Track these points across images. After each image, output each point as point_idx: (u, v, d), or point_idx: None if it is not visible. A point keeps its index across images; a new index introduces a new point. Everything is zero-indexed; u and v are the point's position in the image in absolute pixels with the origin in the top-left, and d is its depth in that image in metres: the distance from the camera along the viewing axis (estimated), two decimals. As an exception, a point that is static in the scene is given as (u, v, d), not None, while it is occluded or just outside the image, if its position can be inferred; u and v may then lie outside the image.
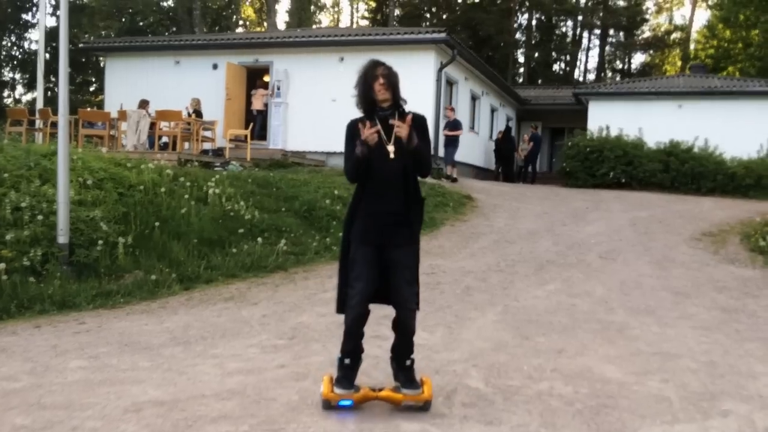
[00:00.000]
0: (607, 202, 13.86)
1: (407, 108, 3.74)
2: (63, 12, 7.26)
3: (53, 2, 30.53)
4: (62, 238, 6.84)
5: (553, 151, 26.46)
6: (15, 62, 30.64)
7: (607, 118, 19.24)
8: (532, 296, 6.50)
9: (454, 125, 16.22)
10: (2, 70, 30.12)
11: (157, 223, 7.78)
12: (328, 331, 5.13)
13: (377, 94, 3.61)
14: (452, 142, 16.15)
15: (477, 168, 20.56)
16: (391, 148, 3.57)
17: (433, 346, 4.80)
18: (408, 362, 3.66)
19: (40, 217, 6.92)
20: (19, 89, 32.07)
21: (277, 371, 4.20)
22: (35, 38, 29.45)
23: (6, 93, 30.96)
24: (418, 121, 3.66)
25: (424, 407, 3.59)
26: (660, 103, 20.19)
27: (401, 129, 3.52)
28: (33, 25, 28.56)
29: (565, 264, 8.08)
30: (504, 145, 21.19)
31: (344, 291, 3.65)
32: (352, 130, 3.63)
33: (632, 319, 5.75)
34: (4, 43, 30.11)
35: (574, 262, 8.22)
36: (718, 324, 5.74)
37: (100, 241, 6.96)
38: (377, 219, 3.57)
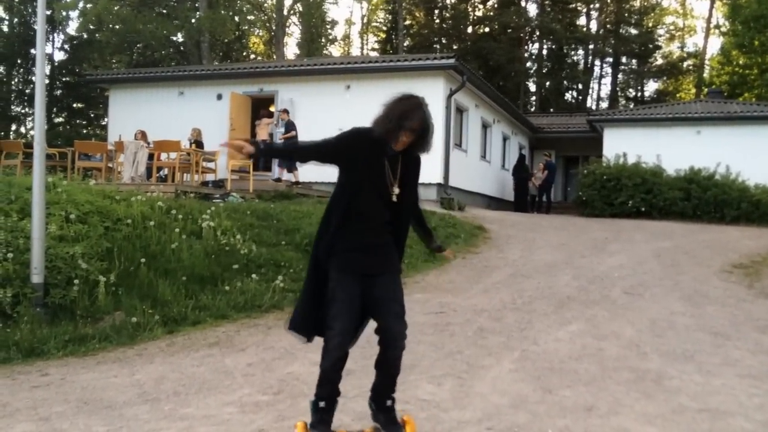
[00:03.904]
0: (627, 232, 13.15)
1: None
2: (39, 36, 6.78)
3: (62, 36, 30.64)
4: (36, 277, 6.25)
5: (568, 179, 25.84)
6: (24, 97, 30.57)
7: (623, 145, 18.63)
8: (554, 339, 5.81)
9: (287, 128, 14.91)
10: (11, 105, 30.03)
11: (143, 260, 7.19)
12: (320, 383, 4.46)
13: (398, 142, 3.19)
14: None
15: (489, 198, 19.94)
16: (396, 190, 3.26)
17: (440, 402, 4.13)
18: (389, 402, 3.37)
19: (10, 255, 6.34)
20: (29, 124, 32.00)
21: (254, 437, 3.55)
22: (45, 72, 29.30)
23: (14, 127, 30.88)
24: (418, 157, 3.38)
25: None
26: (678, 129, 19.56)
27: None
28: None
29: (588, 301, 7.38)
30: (517, 174, 20.59)
31: (301, 310, 3.41)
32: (351, 138, 3.26)
33: (669, 366, 5.04)
34: (12, 78, 30.10)
35: (598, 298, 7.52)
36: (767, 371, 5.02)
37: (77, 281, 6.37)
38: (366, 250, 3.28)
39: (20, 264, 6.38)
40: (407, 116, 3.12)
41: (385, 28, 43.00)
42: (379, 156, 3.22)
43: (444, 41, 39.67)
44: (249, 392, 4.33)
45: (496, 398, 4.24)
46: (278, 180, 14.43)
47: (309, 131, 16.16)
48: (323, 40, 40.97)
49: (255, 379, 4.63)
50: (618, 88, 40.95)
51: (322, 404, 3.32)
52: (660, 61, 40.13)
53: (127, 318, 6.25)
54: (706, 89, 32.90)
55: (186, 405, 4.08)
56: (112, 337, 5.86)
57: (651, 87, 41.42)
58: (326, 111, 15.62)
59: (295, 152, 3.58)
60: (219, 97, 17.15)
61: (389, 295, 3.26)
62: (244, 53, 38.41)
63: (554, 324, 6.35)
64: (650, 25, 39.71)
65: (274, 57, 34.53)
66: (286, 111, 15.20)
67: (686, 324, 6.44)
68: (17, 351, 5.41)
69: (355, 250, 3.26)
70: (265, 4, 37.18)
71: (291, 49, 42.10)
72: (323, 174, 15.00)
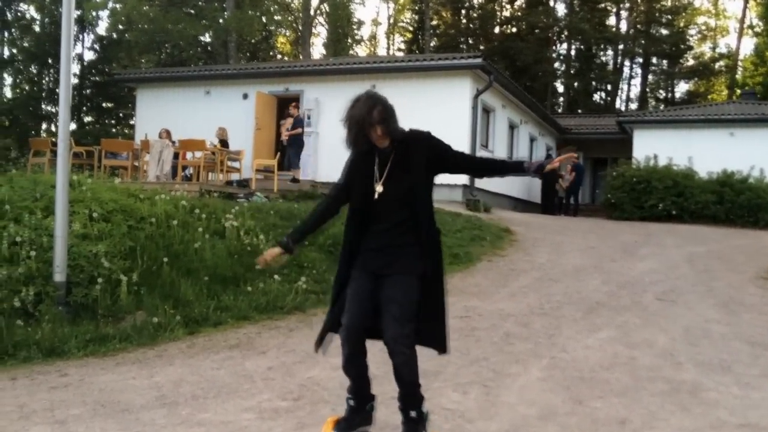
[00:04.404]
0: (658, 235, 12.85)
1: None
2: (65, 33, 6.76)
3: (92, 36, 31.00)
4: (59, 276, 6.22)
5: (596, 182, 25.45)
6: (54, 96, 30.95)
7: (654, 147, 18.28)
8: (583, 346, 5.62)
9: (295, 124, 14.90)
10: (41, 104, 30.44)
11: (165, 259, 7.13)
12: (341, 389, 4.31)
13: (376, 142, 3.22)
14: (294, 142, 14.87)
15: (516, 200, 19.69)
16: (379, 188, 3.22)
17: (465, 412, 3.97)
18: (413, 414, 3.24)
19: (33, 253, 6.32)
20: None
21: (273, 445, 3.44)
22: (74, 71, 29.71)
23: (44, 126, 31.30)
24: (424, 143, 3.27)
25: None
26: (710, 131, 19.13)
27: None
28: (72, 59, 28.74)
29: (618, 306, 7.16)
30: (544, 176, 20.28)
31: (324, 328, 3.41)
32: (350, 163, 3.34)
33: (705, 377, 4.83)
34: (43, 77, 30.50)
35: (629, 304, 7.30)
36: (810, 384, 4.78)
37: (99, 279, 6.33)
38: (380, 250, 3.25)
39: (43, 262, 6.36)
40: (363, 117, 3.12)
41: (411, 28, 42.86)
42: (370, 160, 3.26)
43: (471, 41, 39.40)
44: (268, 397, 4.21)
45: (524, 409, 4.07)
46: (295, 180, 14.39)
47: (334, 131, 16.05)
48: (349, 40, 40.92)
49: (275, 383, 4.51)
50: (648, 89, 40.28)
51: (351, 402, 3.36)
52: (691, 62, 39.39)
53: (149, 318, 6.19)
54: (738, 91, 32.22)
55: (204, 410, 3.98)
56: (133, 338, 5.80)
57: (681, 88, 40.72)
58: (352, 111, 15.50)
59: (321, 215, 3.43)
60: (245, 96, 17.16)
61: (390, 296, 3.16)
62: (271, 53, 38.50)
63: (583, 330, 6.15)
64: (681, 25, 38.98)
65: (301, 57, 34.57)
66: (296, 106, 15.19)
67: (722, 332, 6.19)
68: (38, 350, 5.36)
69: (370, 250, 3.27)
70: (292, 5, 37.25)
71: (317, 50, 42.14)
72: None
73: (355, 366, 3.26)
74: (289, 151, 14.61)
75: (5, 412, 3.97)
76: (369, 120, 3.13)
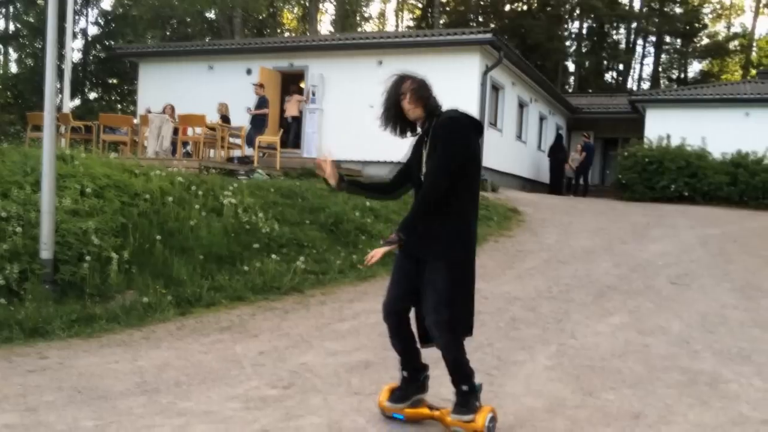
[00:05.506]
0: (670, 217, 12.49)
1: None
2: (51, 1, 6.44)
3: (96, 11, 30.59)
4: (45, 253, 5.95)
5: (606, 162, 25.01)
6: (59, 71, 30.60)
7: (666, 127, 17.81)
8: (593, 332, 5.32)
9: (260, 104, 14.38)
10: (44, 79, 30.14)
11: (159, 237, 6.86)
12: (335, 376, 4.07)
13: (408, 114, 3.30)
14: (257, 122, 14.28)
15: (524, 179, 19.31)
16: (423, 167, 3.30)
17: (467, 403, 3.69)
18: (465, 387, 3.31)
19: (19, 229, 6.06)
20: (64, 98, 32.05)
21: (256, 439, 3.17)
22: (77, 46, 29.31)
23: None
24: (439, 128, 3.25)
25: None
26: (725, 110, 18.60)
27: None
28: (75, 35, 28.33)
29: (630, 290, 6.85)
30: (554, 156, 19.90)
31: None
32: (410, 147, 3.45)
33: (724, 367, 4.53)
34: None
35: (641, 288, 6.99)
36: (836, 376, 4.47)
37: (88, 257, 6.06)
38: (420, 233, 3.26)
39: (30, 238, 6.10)
40: (395, 88, 3.25)
41: (420, 6, 42.12)
42: (421, 141, 3.35)
43: (481, 19, 38.70)
44: (256, 385, 3.94)
45: (530, 400, 3.79)
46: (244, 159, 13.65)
47: (339, 108, 15.80)
48: (357, 17, 40.26)
49: (265, 369, 4.24)
50: (660, 69, 39.53)
51: (404, 374, 3.42)
52: (705, 41, 38.57)
53: (139, 298, 5.93)
54: (754, 71, 31.55)
55: (186, 398, 3.72)
56: (121, 318, 5.54)
57: (695, 68, 39.92)
58: (357, 87, 15.15)
59: (378, 185, 3.61)
60: (248, 71, 16.77)
61: (428, 282, 3.20)
62: (278, 30, 37.98)
63: (594, 315, 5.86)
64: (696, 3, 38.10)
65: (308, 34, 34.04)
66: (261, 85, 14.71)
67: (740, 319, 5.89)
68: (20, 331, 5.11)
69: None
70: (299, -20, 36.65)
71: (325, 27, 41.54)
72: (354, 152, 14.62)
73: (399, 341, 3.37)
74: (250, 130, 14.01)
75: (-25, 397, 3.72)
76: (400, 89, 3.24)
